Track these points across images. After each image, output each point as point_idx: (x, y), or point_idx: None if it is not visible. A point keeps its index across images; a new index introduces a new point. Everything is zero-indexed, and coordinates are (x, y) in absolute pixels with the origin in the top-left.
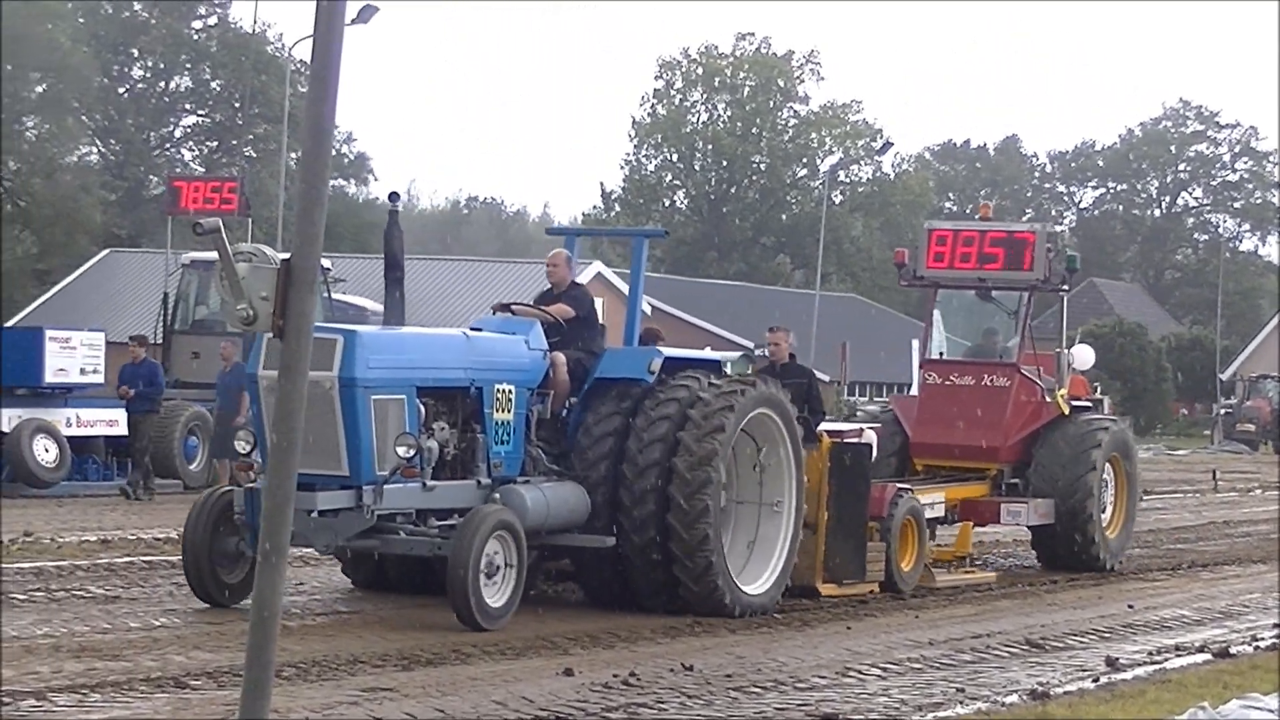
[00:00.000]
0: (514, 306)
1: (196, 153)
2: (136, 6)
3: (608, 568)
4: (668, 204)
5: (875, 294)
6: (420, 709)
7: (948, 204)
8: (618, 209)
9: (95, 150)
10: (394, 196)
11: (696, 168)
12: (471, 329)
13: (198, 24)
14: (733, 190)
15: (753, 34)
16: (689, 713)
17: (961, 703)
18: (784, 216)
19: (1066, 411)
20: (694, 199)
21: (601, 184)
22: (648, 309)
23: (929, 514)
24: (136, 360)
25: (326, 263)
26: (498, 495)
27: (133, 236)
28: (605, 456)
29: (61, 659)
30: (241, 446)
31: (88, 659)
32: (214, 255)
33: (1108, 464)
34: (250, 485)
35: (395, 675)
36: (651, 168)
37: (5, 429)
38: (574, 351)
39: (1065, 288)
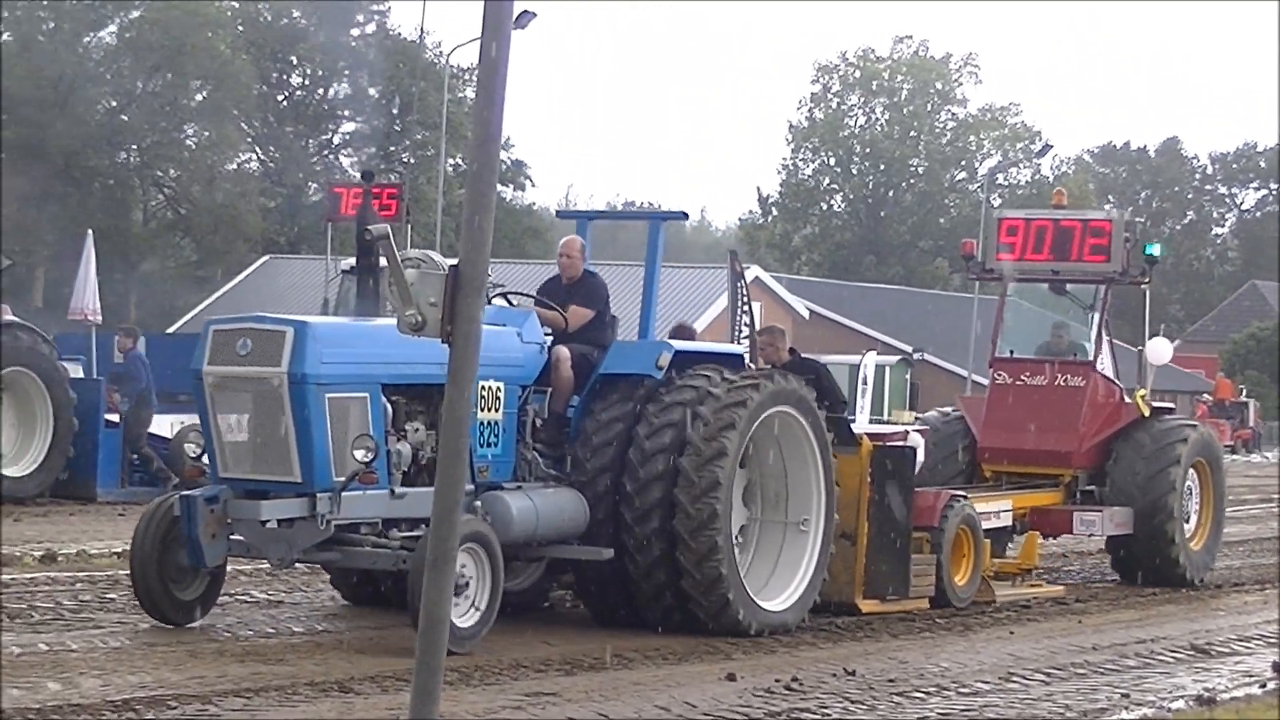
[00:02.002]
0: (535, 309)
1: (355, 159)
2: (296, 14)
3: (611, 582)
4: (825, 208)
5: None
6: (582, 713)
7: (1108, 205)
8: (774, 213)
9: (254, 157)
10: (367, 176)
11: (854, 171)
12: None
13: (356, 31)
14: (890, 194)
15: (910, 37)
16: (852, 717)
17: (1126, 708)
18: (942, 220)
19: (1147, 413)
20: (851, 203)
21: (758, 189)
22: (805, 312)
23: (995, 523)
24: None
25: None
26: (479, 503)
27: (292, 243)
28: (606, 468)
29: (226, 663)
30: (191, 450)
31: (252, 663)
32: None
33: (1192, 470)
34: (188, 493)
35: (558, 680)
36: (809, 172)
37: (168, 435)
38: (579, 345)
39: (1145, 280)
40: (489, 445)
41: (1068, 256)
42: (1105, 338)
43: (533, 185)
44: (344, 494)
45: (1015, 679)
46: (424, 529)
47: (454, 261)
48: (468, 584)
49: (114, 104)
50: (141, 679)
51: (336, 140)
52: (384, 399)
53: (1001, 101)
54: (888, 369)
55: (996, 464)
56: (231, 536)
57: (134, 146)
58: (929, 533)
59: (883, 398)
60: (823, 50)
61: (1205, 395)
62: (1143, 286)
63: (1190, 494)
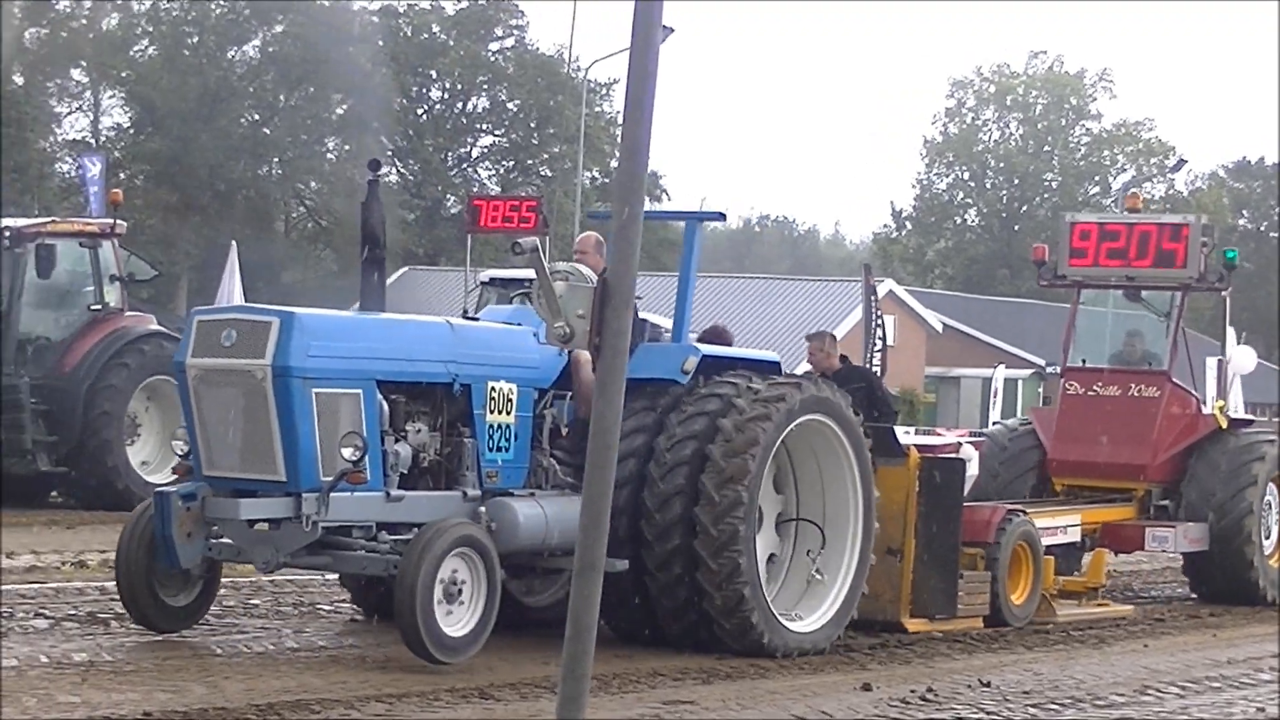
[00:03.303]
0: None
1: (493, 172)
2: (435, 28)
3: (632, 599)
4: (959, 222)
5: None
6: None
7: (1242, 221)
8: (908, 227)
9: (394, 170)
10: (374, 164)
11: (988, 185)
12: (468, 318)
13: (495, 46)
14: (1024, 209)
15: (1045, 52)
16: None
17: None
18: None
19: (1225, 425)
20: (985, 217)
21: (892, 203)
22: (938, 326)
23: (1062, 539)
24: None
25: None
26: (484, 509)
27: (430, 254)
28: (627, 480)
29: (368, 670)
30: (179, 447)
31: (394, 670)
32: (512, 273)
33: (1271, 484)
34: (163, 490)
35: (695, 689)
36: (943, 186)
37: None
38: None
39: (1224, 286)
40: (499, 450)
41: (1143, 262)
42: (1183, 345)
43: (668, 198)
44: (333, 495)
45: (1150, 692)
46: (414, 533)
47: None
48: (460, 591)
49: (256, 117)
50: (285, 683)
51: (475, 153)
52: (380, 397)
53: (1136, 116)
54: (1020, 382)
55: (1067, 477)
56: (220, 539)
57: (276, 159)
58: (984, 549)
59: (1015, 411)
60: (958, 66)
61: None
62: (1222, 293)
63: (1270, 509)
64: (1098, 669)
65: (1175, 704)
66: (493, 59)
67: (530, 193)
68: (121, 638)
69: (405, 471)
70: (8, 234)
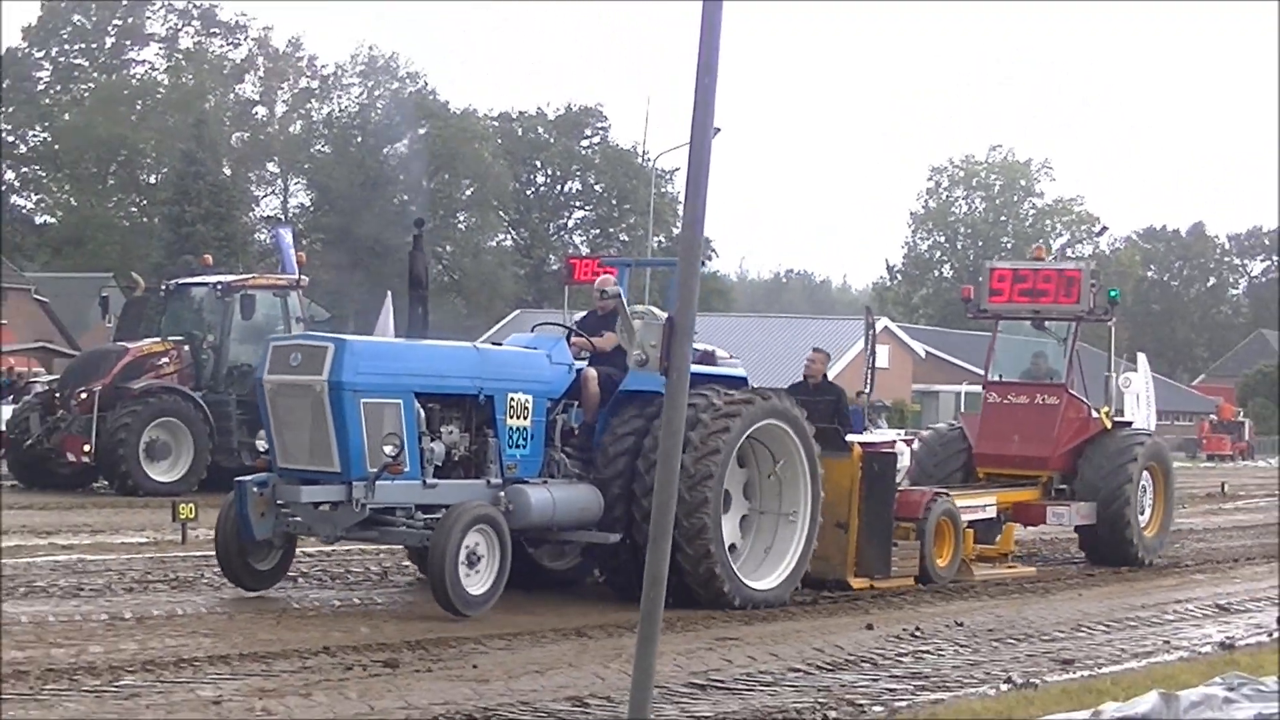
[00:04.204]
0: (575, 340)
1: (584, 237)
2: (540, 130)
3: (626, 564)
4: (936, 274)
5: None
6: (759, 653)
7: (1150, 273)
8: (899, 278)
9: (509, 237)
10: (419, 222)
11: (959, 247)
12: (494, 344)
13: (585, 142)
14: (986, 264)
15: (1001, 145)
16: (960, 657)
17: (1167, 651)
18: None
19: (1109, 426)
20: (956, 270)
21: (886, 260)
22: (922, 353)
23: (981, 515)
24: None
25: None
26: (503, 494)
27: (537, 300)
28: (620, 474)
29: (492, 613)
30: (260, 445)
31: (505, 614)
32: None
33: (1146, 472)
34: (241, 479)
35: (739, 628)
36: (924, 248)
37: None
38: (606, 367)
39: (1109, 318)
40: (518, 447)
41: (1045, 299)
42: (1077, 364)
43: (716, 256)
44: (378, 483)
45: (1083, 629)
46: (443, 512)
47: (668, 315)
48: (480, 559)
49: (405, 197)
50: (423, 628)
51: (570, 223)
52: (418, 405)
53: (1070, 194)
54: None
55: (988, 466)
56: (292, 518)
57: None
58: (914, 523)
59: None
60: (935, 155)
61: (1212, 415)
62: (1108, 324)
63: (1145, 491)
64: (1044, 611)
65: (1102, 638)
66: (583, 152)
67: (612, 254)
68: (309, 590)
69: (440, 464)
70: (219, 287)
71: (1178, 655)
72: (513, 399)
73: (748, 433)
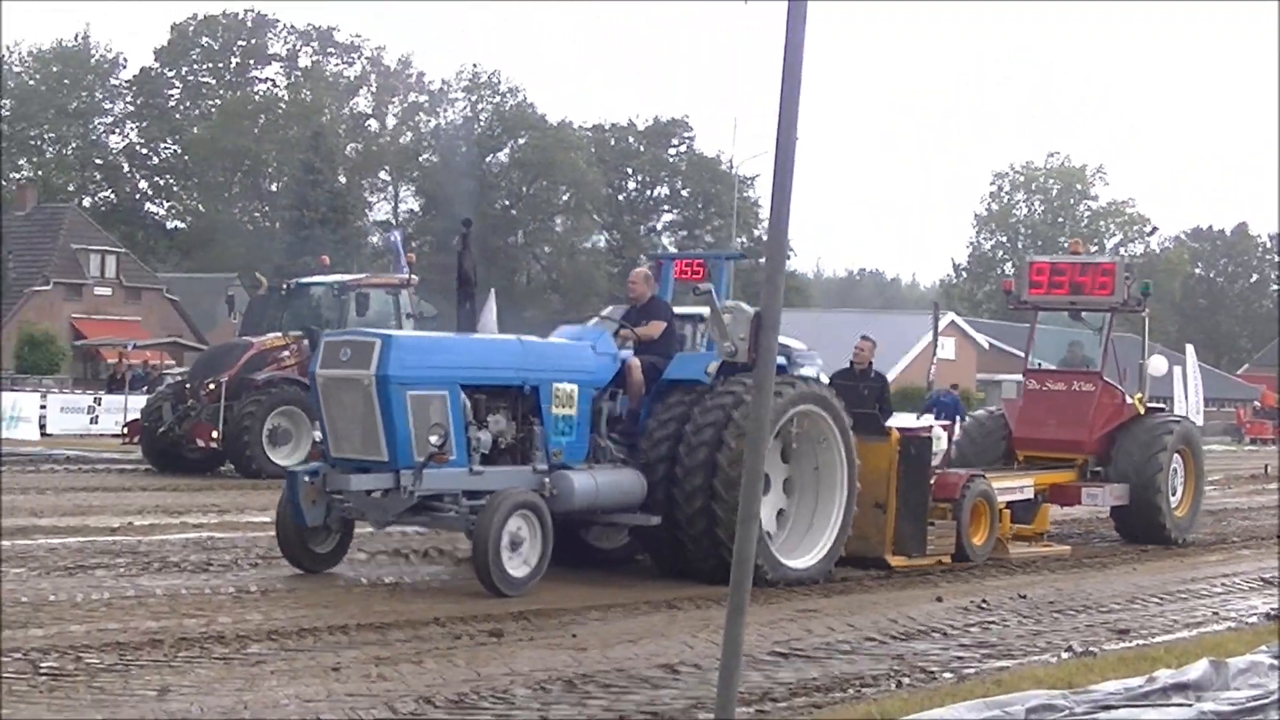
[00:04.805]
0: (621, 332)
1: (672, 239)
2: (630, 140)
3: (667, 545)
4: (999, 272)
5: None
6: (836, 623)
7: (1198, 270)
8: (964, 276)
9: (603, 239)
10: (467, 222)
11: (1019, 247)
12: (540, 338)
13: (672, 150)
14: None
15: (1059, 151)
16: (1024, 628)
17: (1216, 621)
18: None
19: (1143, 412)
20: (1017, 269)
21: (952, 259)
22: (985, 344)
23: (1019, 496)
24: None
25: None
26: (548, 480)
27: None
28: (664, 458)
29: (586, 587)
30: (316, 435)
31: (604, 588)
32: (689, 310)
33: (1177, 455)
34: (294, 468)
35: (819, 600)
36: (987, 247)
37: None
38: (649, 356)
39: (1142, 309)
40: (563, 434)
41: (1082, 291)
42: (1112, 353)
43: (795, 254)
44: (425, 471)
45: (1138, 601)
46: (486, 499)
47: (756, 309)
48: (523, 543)
49: (507, 203)
50: (525, 601)
51: (659, 226)
52: (464, 397)
53: (1123, 196)
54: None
55: (1026, 450)
56: (345, 504)
57: (520, 232)
58: (951, 504)
59: None
60: (998, 161)
61: (1255, 402)
62: (1141, 314)
63: (1175, 474)
64: (1101, 585)
65: (1155, 609)
66: (671, 160)
67: (700, 252)
68: (423, 566)
69: (487, 452)
70: (336, 286)
71: (1226, 625)
72: (557, 388)
73: (787, 413)
